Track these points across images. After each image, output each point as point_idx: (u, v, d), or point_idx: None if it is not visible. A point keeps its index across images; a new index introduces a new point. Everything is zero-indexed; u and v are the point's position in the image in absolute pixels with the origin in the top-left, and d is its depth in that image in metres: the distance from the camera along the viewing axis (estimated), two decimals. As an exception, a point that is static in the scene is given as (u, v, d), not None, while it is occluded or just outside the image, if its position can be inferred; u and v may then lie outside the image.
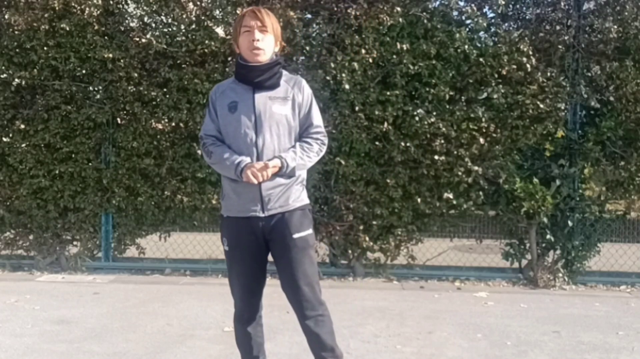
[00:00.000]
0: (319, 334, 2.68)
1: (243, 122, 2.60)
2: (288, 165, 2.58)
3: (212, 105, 2.70)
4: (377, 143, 5.65)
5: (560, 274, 5.71)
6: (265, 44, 2.62)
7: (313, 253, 2.72)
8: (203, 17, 5.72)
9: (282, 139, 2.63)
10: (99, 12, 5.82)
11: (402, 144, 5.57)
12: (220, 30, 5.78)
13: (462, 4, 5.68)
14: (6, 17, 5.83)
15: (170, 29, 5.87)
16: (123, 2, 5.94)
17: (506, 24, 5.87)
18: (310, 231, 2.70)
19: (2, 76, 5.93)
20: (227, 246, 2.71)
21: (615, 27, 5.49)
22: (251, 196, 2.60)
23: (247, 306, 2.74)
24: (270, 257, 2.75)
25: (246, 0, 5.65)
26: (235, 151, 2.59)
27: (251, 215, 2.62)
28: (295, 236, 2.63)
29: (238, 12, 5.63)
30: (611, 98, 5.61)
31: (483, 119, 5.55)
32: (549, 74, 5.57)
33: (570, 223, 5.68)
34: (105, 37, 5.83)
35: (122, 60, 5.77)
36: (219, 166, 2.64)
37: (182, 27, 5.81)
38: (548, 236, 5.72)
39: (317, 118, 2.75)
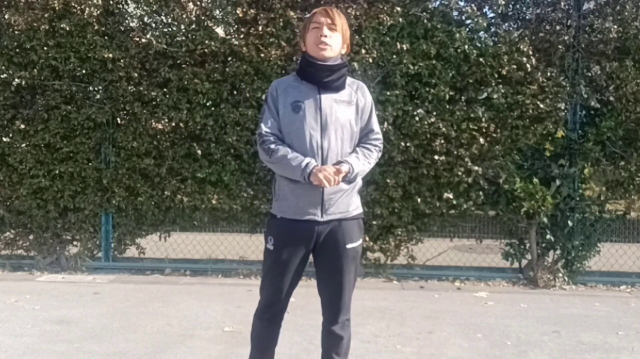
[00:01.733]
0: (344, 337, 2.69)
1: (308, 123, 2.54)
2: (354, 170, 2.55)
3: (273, 102, 2.61)
4: (383, 145, 5.63)
5: (560, 274, 5.71)
6: (333, 41, 2.57)
7: (359, 261, 2.73)
8: (203, 17, 5.72)
9: (345, 144, 2.60)
10: (99, 12, 5.82)
11: (402, 144, 5.57)
12: (220, 30, 5.78)
13: (462, 4, 5.69)
14: (6, 17, 5.83)
15: (170, 29, 5.87)
16: (123, 2, 5.94)
17: (506, 24, 5.87)
18: (360, 241, 2.70)
19: (2, 76, 5.93)
20: (272, 245, 2.64)
21: (615, 27, 5.49)
22: (312, 198, 2.55)
23: (274, 306, 2.70)
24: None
25: (246, 0, 5.65)
26: (298, 151, 2.52)
27: (308, 218, 2.57)
28: (349, 246, 2.62)
29: (238, 12, 5.64)
30: (611, 98, 5.61)
31: (483, 119, 5.55)
32: (549, 74, 5.57)
33: (570, 223, 5.68)
34: (105, 37, 5.83)
35: (122, 60, 5.77)
36: (280, 165, 2.55)
37: (182, 27, 5.80)
38: (548, 236, 5.72)
39: (376, 124, 2.73)
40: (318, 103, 2.57)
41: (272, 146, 2.55)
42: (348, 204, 2.63)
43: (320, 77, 2.58)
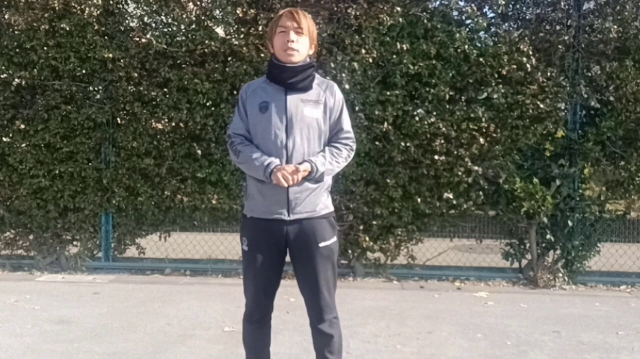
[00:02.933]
0: (333, 335, 2.70)
1: (274, 123, 2.57)
2: (318, 170, 2.56)
3: (242, 103, 2.66)
4: (377, 143, 5.65)
5: (560, 274, 5.71)
6: (300, 45, 2.60)
7: (335, 259, 2.73)
8: (203, 17, 5.72)
9: (312, 143, 2.61)
10: (99, 12, 5.82)
11: (402, 144, 5.57)
12: (220, 30, 5.78)
13: (462, 4, 5.68)
14: (6, 17, 5.83)
15: (170, 29, 5.87)
16: (123, 2, 5.94)
17: (506, 24, 5.87)
18: (334, 238, 2.70)
19: (2, 76, 5.93)
20: (246, 246, 2.69)
21: (615, 27, 5.48)
22: (277, 198, 2.58)
23: (259, 307, 2.74)
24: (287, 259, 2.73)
25: (246, 0, 5.66)
26: (264, 151, 2.56)
27: (276, 217, 2.60)
28: (321, 244, 2.63)
29: (238, 12, 5.64)
30: (611, 98, 5.61)
31: (483, 119, 5.55)
32: (549, 74, 5.57)
33: (570, 223, 5.68)
34: (105, 37, 5.83)
35: (122, 60, 5.77)
36: (247, 165, 2.61)
37: (182, 27, 5.80)
38: (548, 236, 5.72)
39: (347, 123, 2.73)
40: (284, 103, 2.59)
41: (239, 147, 2.61)
42: (315, 203, 2.64)
43: (285, 78, 2.61)
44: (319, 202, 2.66)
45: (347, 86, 5.47)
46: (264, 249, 2.65)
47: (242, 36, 5.69)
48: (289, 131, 2.57)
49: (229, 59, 5.68)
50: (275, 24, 2.64)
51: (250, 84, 2.74)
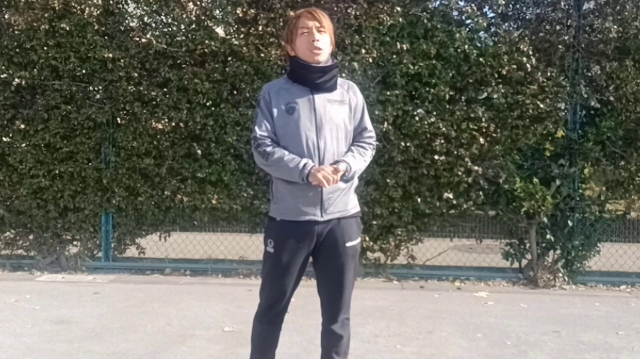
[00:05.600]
0: (343, 336, 2.70)
1: (303, 124, 2.54)
2: (351, 169, 2.57)
3: (266, 105, 2.60)
4: (377, 143, 5.64)
5: (560, 274, 5.71)
6: (324, 44, 2.60)
7: (358, 260, 2.74)
8: (203, 17, 5.72)
9: (340, 143, 2.61)
10: (99, 12, 5.82)
11: (402, 144, 5.58)
12: (220, 30, 5.78)
13: (462, 4, 5.69)
14: (6, 17, 5.83)
15: (170, 29, 5.87)
16: (123, 2, 5.94)
17: (506, 24, 5.87)
18: (359, 239, 2.71)
19: (2, 76, 5.93)
20: (272, 248, 2.63)
21: (615, 27, 5.49)
22: (311, 199, 2.55)
23: (275, 308, 2.70)
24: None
25: (246, 0, 5.65)
26: (294, 153, 2.52)
27: (308, 219, 2.57)
28: (348, 244, 2.63)
29: (238, 12, 5.63)
30: (611, 98, 5.61)
31: (483, 119, 5.55)
32: (549, 74, 5.57)
33: (570, 223, 5.68)
34: (105, 37, 5.83)
35: (122, 60, 5.77)
36: (277, 168, 2.55)
37: (182, 27, 5.80)
38: (548, 236, 5.72)
39: (369, 122, 2.75)
40: (312, 104, 2.58)
41: (268, 149, 2.55)
42: (346, 202, 2.64)
43: (312, 78, 2.59)
44: (349, 202, 2.66)
45: (347, 86, 5.47)
46: (292, 252, 2.60)
47: (242, 36, 5.69)
48: (319, 132, 2.56)
49: (229, 59, 5.68)
50: (295, 26, 2.61)
51: (271, 85, 2.70)
